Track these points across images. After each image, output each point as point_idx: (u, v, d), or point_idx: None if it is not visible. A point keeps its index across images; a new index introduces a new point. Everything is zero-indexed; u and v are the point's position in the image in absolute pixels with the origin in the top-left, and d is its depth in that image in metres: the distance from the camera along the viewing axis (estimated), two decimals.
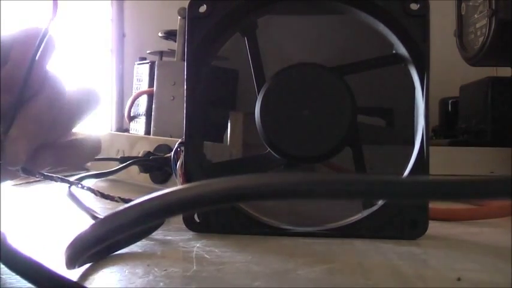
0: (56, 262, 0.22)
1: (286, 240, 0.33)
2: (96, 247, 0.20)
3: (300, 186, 0.16)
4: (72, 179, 0.42)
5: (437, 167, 0.34)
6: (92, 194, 0.39)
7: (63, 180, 0.36)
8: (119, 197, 0.38)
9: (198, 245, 0.31)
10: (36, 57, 0.26)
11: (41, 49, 0.27)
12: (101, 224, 0.20)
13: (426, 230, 0.34)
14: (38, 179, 0.31)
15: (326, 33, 0.70)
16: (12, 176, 0.30)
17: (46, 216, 0.44)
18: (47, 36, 0.27)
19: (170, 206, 0.17)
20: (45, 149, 0.29)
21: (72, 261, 0.22)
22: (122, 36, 1.21)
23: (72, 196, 0.41)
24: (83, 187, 0.39)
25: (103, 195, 0.39)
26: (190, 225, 0.36)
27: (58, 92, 0.28)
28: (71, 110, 0.29)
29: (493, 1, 0.71)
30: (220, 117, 0.69)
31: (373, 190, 0.16)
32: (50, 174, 0.32)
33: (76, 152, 0.30)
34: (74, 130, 0.31)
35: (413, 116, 0.37)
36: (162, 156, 0.56)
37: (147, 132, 0.80)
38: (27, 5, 0.91)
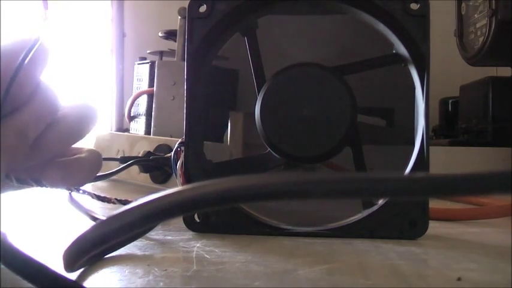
0: (56, 262, 0.22)
1: (286, 240, 0.33)
2: (96, 250, 0.20)
3: (300, 186, 0.16)
4: None
5: (437, 167, 0.34)
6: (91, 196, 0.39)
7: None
8: (116, 199, 0.38)
9: (198, 245, 0.31)
10: (20, 69, 0.25)
11: (26, 60, 0.25)
12: (100, 226, 0.20)
13: (426, 230, 0.34)
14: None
15: (326, 33, 0.70)
16: (14, 189, 0.30)
17: (46, 217, 0.44)
18: (35, 47, 0.25)
19: (170, 207, 0.17)
20: (53, 167, 0.28)
21: (71, 264, 0.22)
22: (122, 36, 1.21)
23: (72, 201, 0.41)
24: (78, 191, 0.39)
25: (99, 198, 0.38)
26: (190, 225, 0.36)
27: (48, 105, 0.27)
28: (68, 125, 0.28)
29: (493, 1, 0.71)
30: (220, 117, 0.69)
31: (370, 188, 0.16)
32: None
33: (82, 169, 0.29)
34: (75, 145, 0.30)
35: (413, 116, 0.37)
36: (162, 156, 0.56)
37: (147, 132, 0.80)
38: (18, 3, 0.91)
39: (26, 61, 0.25)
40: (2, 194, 0.28)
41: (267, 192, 0.16)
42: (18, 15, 0.92)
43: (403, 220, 0.34)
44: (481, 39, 0.75)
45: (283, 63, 0.38)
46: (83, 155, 0.30)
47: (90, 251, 0.21)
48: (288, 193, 0.16)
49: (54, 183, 0.29)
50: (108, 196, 0.38)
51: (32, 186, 0.29)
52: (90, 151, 0.30)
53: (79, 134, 0.29)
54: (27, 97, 0.26)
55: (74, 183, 0.30)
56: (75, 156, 0.29)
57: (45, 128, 0.27)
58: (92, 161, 0.30)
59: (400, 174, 0.16)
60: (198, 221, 0.35)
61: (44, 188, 0.30)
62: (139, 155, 0.58)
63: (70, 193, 0.42)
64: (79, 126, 0.29)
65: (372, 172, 0.16)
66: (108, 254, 0.28)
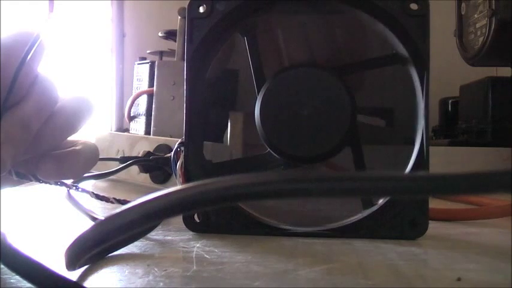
0: (55, 262, 0.22)
1: (286, 240, 0.33)
2: (97, 248, 0.20)
3: (301, 184, 0.16)
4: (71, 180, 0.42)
5: (437, 167, 0.34)
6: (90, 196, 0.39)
7: (58, 184, 0.36)
8: (114, 198, 0.38)
9: (198, 245, 0.31)
10: (24, 63, 0.25)
11: (29, 55, 0.25)
12: (101, 225, 0.20)
13: (426, 230, 0.34)
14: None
15: (326, 33, 0.70)
16: (13, 184, 0.30)
17: (46, 216, 0.44)
18: (37, 42, 0.26)
19: (170, 206, 0.17)
20: (47, 160, 0.28)
21: (73, 262, 0.22)
22: (121, 36, 1.21)
23: (71, 198, 0.41)
24: (77, 189, 0.39)
25: (98, 197, 0.38)
26: (190, 225, 0.35)
27: (48, 96, 0.27)
28: (65, 118, 0.28)
29: (493, 1, 0.71)
30: (220, 117, 0.69)
31: (372, 187, 0.16)
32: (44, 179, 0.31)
33: (77, 162, 0.29)
34: (70, 138, 0.30)
35: (414, 116, 0.37)
36: (162, 156, 0.56)
37: (147, 132, 0.80)
38: (23, 4, 0.91)
39: (29, 57, 0.25)
40: (1, 191, 0.28)
41: (267, 190, 0.16)
42: (21, 15, 0.92)
43: (403, 220, 0.34)
44: (481, 39, 0.75)
45: (283, 63, 0.38)
46: (78, 147, 0.30)
47: (91, 250, 0.21)
48: (289, 192, 0.16)
49: (48, 177, 0.29)
50: (106, 195, 0.38)
51: (31, 181, 0.29)
52: (86, 143, 0.30)
53: (75, 127, 0.29)
54: (26, 90, 0.26)
55: (68, 177, 0.30)
56: (69, 149, 0.29)
57: (45, 120, 0.27)
58: (87, 154, 0.30)
59: (401, 173, 0.16)
60: (198, 221, 0.35)
61: (41, 183, 0.30)
62: (139, 155, 0.58)
63: (68, 191, 0.42)
64: (75, 119, 0.29)
65: (372, 171, 0.16)
66: (111, 252, 0.28)
